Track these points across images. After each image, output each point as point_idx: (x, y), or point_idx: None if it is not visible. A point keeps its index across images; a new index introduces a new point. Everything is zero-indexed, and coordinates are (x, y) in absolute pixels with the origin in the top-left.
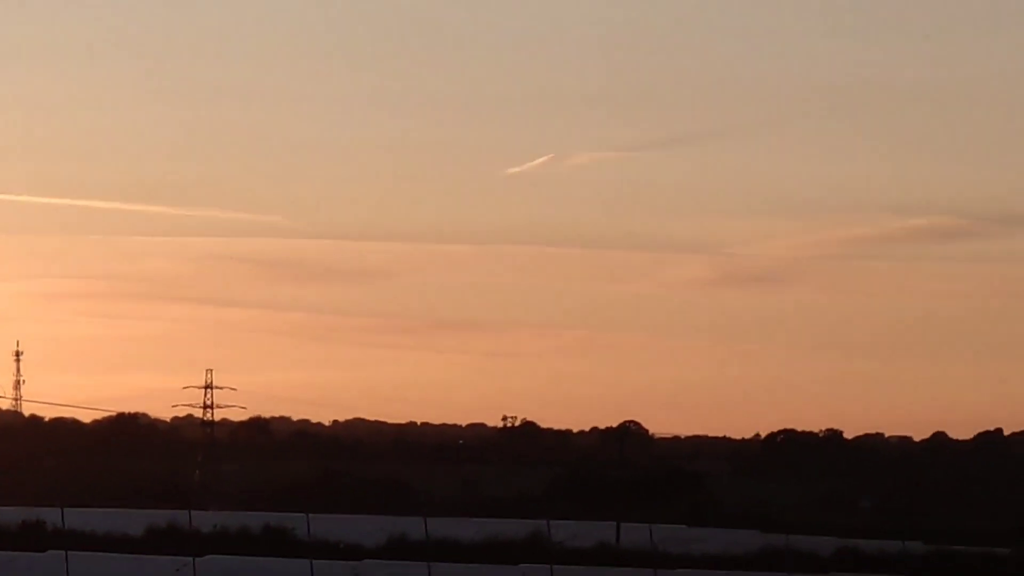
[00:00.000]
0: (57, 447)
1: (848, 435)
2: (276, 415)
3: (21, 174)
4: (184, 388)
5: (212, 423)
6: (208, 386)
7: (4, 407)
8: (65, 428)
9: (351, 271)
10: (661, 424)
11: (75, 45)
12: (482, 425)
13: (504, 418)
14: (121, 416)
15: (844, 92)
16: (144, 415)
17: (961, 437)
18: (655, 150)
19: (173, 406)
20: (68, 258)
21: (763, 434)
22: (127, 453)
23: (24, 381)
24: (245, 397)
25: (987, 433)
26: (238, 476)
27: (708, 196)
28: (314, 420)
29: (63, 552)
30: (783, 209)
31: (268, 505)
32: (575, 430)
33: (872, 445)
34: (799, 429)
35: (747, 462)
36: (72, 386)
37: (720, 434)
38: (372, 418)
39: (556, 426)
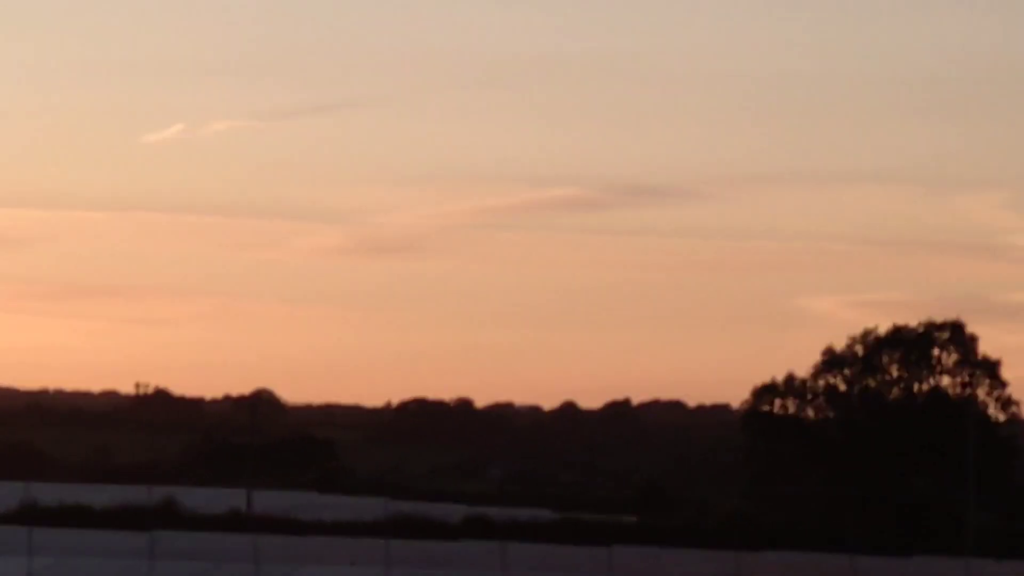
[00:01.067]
0: None
1: (479, 404)
2: None
3: None
4: None
5: None
6: None
7: None
8: None
9: None
10: (294, 392)
11: None
12: (115, 392)
13: (137, 385)
14: None
15: (478, 62)
16: None
17: (590, 406)
18: (290, 119)
19: None
20: None
21: (395, 403)
22: None
23: None
24: None
25: (616, 403)
26: None
27: (343, 165)
28: None
29: None
30: (417, 178)
31: None
32: (208, 398)
33: (502, 414)
34: (430, 398)
35: (379, 430)
36: None
37: (352, 402)
38: (4, 384)
39: (189, 393)
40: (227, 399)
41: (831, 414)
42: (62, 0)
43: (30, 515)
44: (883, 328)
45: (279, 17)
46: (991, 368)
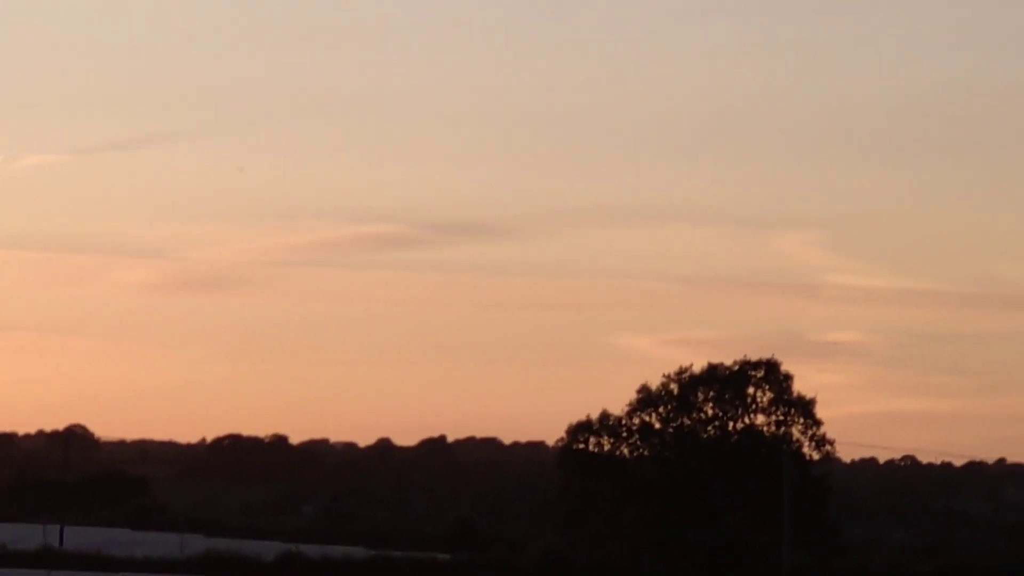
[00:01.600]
0: None
1: (294, 440)
2: None
3: None
4: None
5: None
6: None
7: None
8: None
9: None
10: (108, 428)
11: None
12: None
13: None
14: None
15: (296, 98)
16: None
17: (406, 443)
18: (106, 153)
19: None
20: None
21: (209, 439)
22: None
23: None
24: None
25: (431, 440)
26: None
27: (160, 200)
28: None
29: None
30: (234, 214)
31: None
32: (21, 433)
33: (317, 451)
34: (245, 434)
35: (193, 466)
36: None
37: (166, 438)
38: None
39: (1, 428)
40: (40, 434)
41: (646, 452)
42: None
43: None
44: (698, 366)
45: (94, 53)
46: (805, 407)
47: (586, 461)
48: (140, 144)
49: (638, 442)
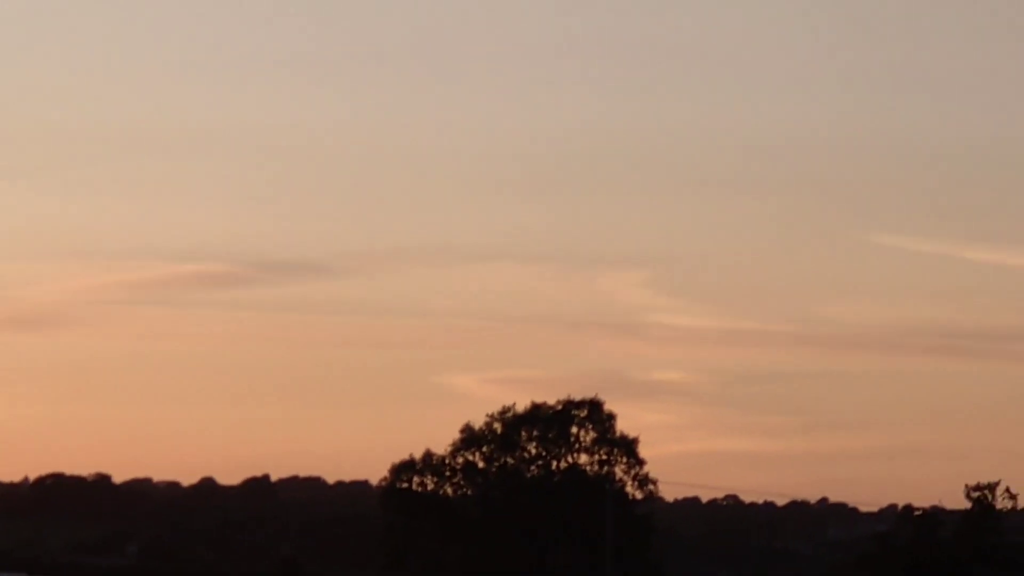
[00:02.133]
0: None
1: (117, 479)
2: None
3: None
4: None
5: None
6: None
7: None
8: None
9: None
10: None
11: None
12: None
13: None
14: None
15: (116, 136)
16: None
17: (229, 482)
18: None
19: None
20: None
21: (32, 477)
22: None
23: None
24: None
25: (254, 479)
26: None
27: None
28: None
29: None
30: (55, 253)
31: None
32: None
33: (141, 489)
34: (68, 473)
35: (16, 505)
36: None
37: None
38: None
39: None
40: None
41: (469, 491)
42: None
43: None
44: (522, 405)
45: None
46: (629, 446)
47: (409, 500)
48: None
49: (461, 481)
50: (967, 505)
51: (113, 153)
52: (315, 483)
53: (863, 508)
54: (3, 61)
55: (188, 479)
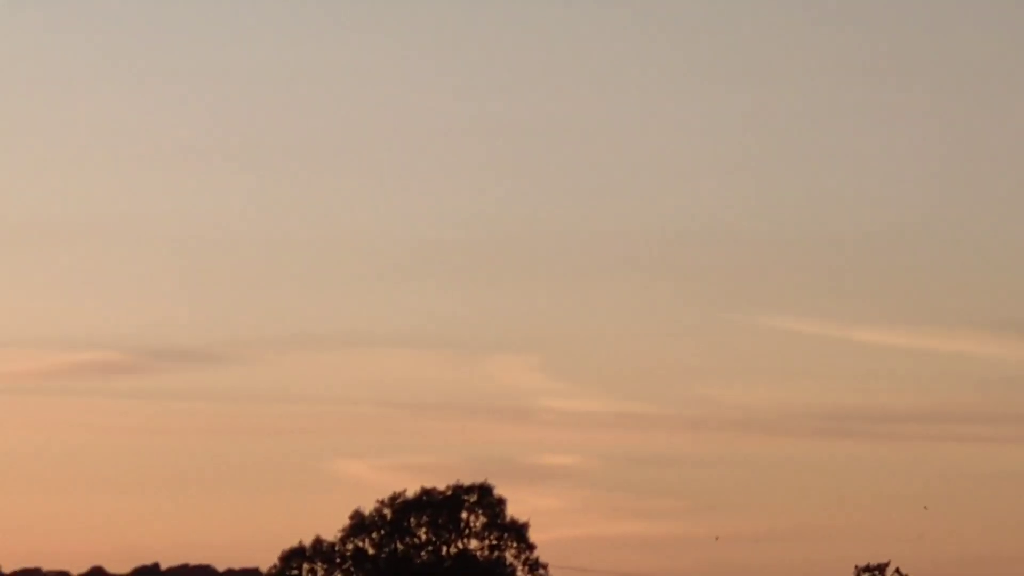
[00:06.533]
0: None
1: (7, 569)
2: None
3: None
4: None
5: None
6: None
7: None
8: None
9: None
10: None
11: None
12: None
13: None
14: None
15: (4, 228)
16: None
17: (119, 571)
18: None
19: None
20: None
21: None
22: None
23: None
24: None
25: (145, 567)
26: None
27: None
28: None
29: None
30: None
31: None
32: None
33: None
34: None
35: None
36: None
37: None
38: None
39: None
40: None
41: None
42: None
43: None
44: (412, 491)
45: None
46: (519, 531)
47: None
48: None
49: (351, 568)
50: None
51: (7, 240)
52: (205, 571)
53: None
54: None
55: (78, 568)
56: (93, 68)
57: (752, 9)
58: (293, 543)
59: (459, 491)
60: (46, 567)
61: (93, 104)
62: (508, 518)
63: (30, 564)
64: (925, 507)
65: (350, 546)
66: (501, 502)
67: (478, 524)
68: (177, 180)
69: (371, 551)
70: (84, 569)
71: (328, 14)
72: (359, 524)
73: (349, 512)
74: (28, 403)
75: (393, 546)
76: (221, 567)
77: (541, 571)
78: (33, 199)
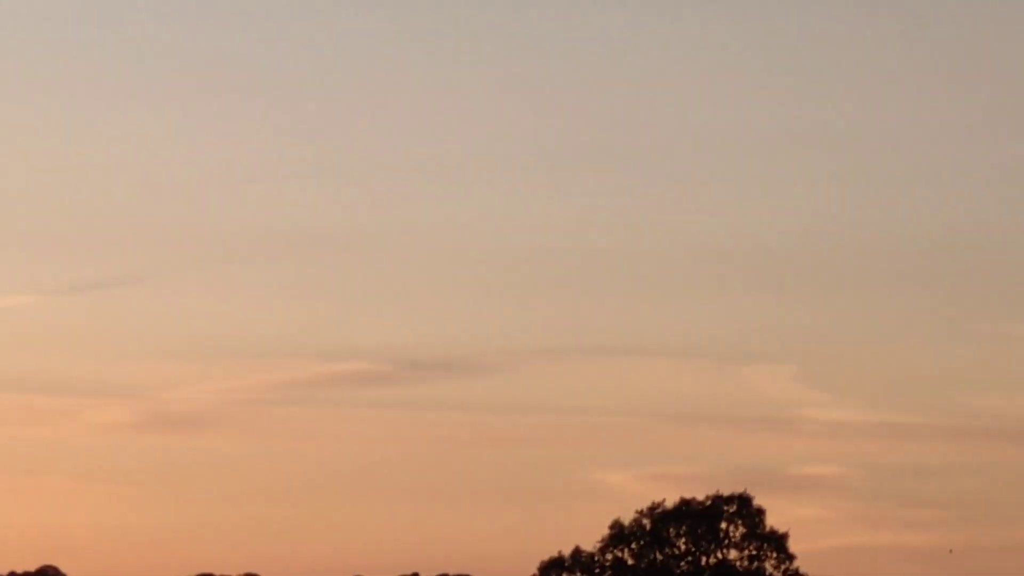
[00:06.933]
0: None
1: None
2: None
3: None
4: None
5: None
6: None
7: None
8: None
9: None
10: (80, 569)
11: None
12: None
13: None
14: None
15: (265, 238)
16: None
17: None
18: (75, 294)
19: None
20: None
21: None
22: None
23: None
24: None
25: None
26: None
27: (130, 340)
28: None
29: None
30: (203, 353)
31: None
32: None
33: None
34: (216, 574)
35: None
36: None
37: None
38: None
39: None
40: (12, 575)
41: None
42: None
43: None
44: (671, 501)
45: (59, 192)
46: (778, 541)
47: None
48: (108, 284)
49: None
50: None
51: (261, 256)
52: None
53: None
54: (156, 167)
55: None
56: (372, 76)
57: None
58: (552, 553)
59: (718, 501)
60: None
61: (368, 112)
62: (768, 528)
63: (291, 575)
64: None
65: (609, 556)
66: (761, 512)
67: (737, 534)
68: (440, 190)
69: (630, 561)
70: None
71: (643, 19)
72: (618, 534)
73: (608, 522)
74: (285, 414)
75: (652, 556)
76: None
77: None
78: (295, 209)
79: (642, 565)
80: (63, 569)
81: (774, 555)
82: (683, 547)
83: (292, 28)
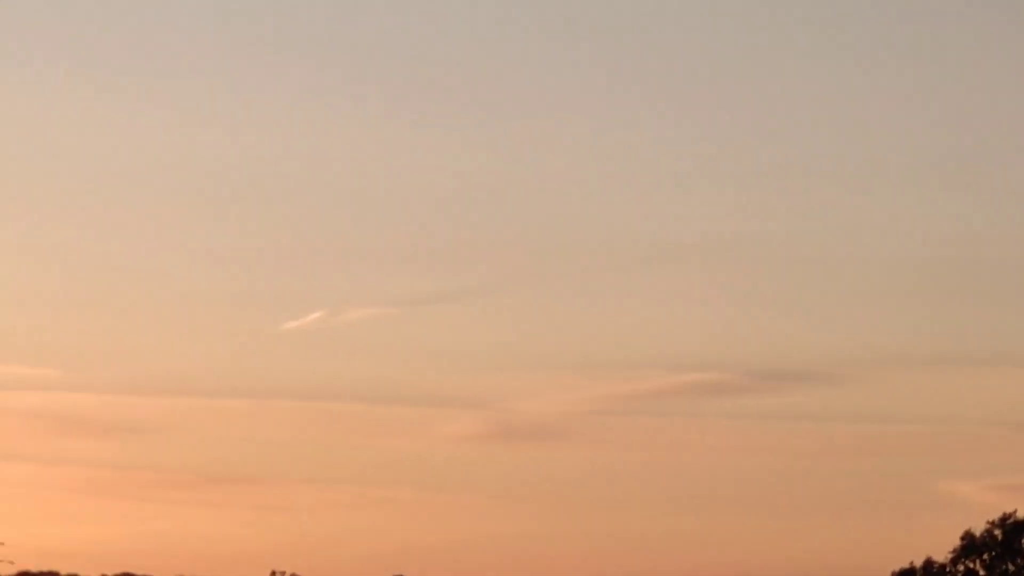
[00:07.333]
0: None
1: None
2: (45, 569)
3: None
4: None
5: None
6: None
7: None
8: None
9: (125, 426)
10: None
11: None
12: None
13: (273, 573)
14: None
15: (609, 248)
16: None
17: None
18: (428, 305)
19: None
20: None
21: None
22: None
23: None
24: (13, 551)
25: None
26: None
27: (482, 351)
28: (83, 574)
29: None
30: (553, 365)
31: None
32: None
33: None
34: None
35: None
36: None
37: None
38: (141, 572)
39: None
40: None
41: None
42: (205, 186)
43: None
44: (1022, 512)
45: (412, 205)
46: None
47: None
48: (459, 296)
49: None
50: None
51: (609, 265)
52: None
53: None
54: (499, 176)
55: None
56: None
57: None
58: (903, 564)
59: None
60: None
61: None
62: None
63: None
64: None
65: (961, 567)
66: None
67: None
68: (784, 198)
69: (982, 572)
70: None
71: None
72: (970, 545)
73: (959, 533)
74: (635, 424)
75: (1004, 567)
76: None
77: None
78: (647, 221)
79: None
80: None
81: None
82: None
83: (730, 37)
